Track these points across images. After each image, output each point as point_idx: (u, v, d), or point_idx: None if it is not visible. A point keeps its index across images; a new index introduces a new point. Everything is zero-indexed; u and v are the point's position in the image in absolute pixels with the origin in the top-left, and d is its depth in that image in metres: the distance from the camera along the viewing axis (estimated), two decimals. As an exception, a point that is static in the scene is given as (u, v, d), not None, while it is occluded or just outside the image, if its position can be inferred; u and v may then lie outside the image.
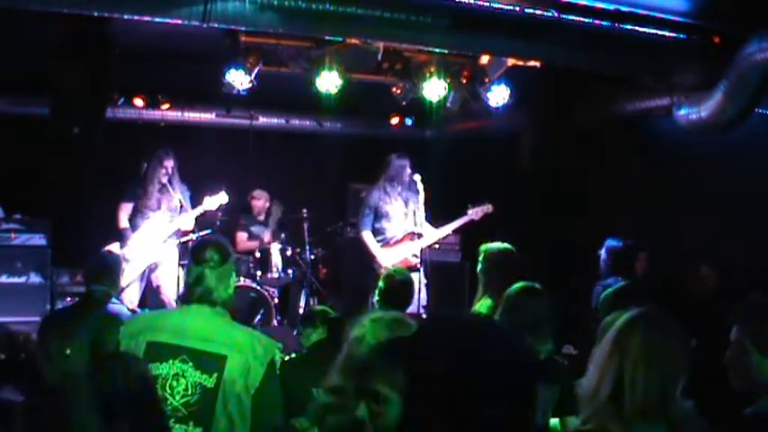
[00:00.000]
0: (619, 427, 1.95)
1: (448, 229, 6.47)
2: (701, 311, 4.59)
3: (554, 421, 3.19)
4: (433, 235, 6.38)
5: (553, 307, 3.37)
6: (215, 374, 2.54)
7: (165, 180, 6.49)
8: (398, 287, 4.23)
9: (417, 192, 6.31)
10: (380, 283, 4.26)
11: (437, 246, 6.62)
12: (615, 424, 1.95)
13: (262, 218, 7.82)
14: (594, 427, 1.99)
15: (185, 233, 6.53)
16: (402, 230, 6.40)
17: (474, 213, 6.30)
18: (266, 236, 7.55)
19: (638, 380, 1.96)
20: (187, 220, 6.54)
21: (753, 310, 2.33)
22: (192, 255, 2.76)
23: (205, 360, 2.56)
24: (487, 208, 6.28)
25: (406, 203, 6.38)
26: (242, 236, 7.72)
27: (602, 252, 5.11)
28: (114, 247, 5.82)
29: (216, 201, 6.67)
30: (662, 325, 2.07)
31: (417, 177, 6.29)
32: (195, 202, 6.70)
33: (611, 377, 1.99)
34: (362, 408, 1.76)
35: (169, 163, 6.47)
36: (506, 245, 4.59)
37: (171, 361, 2.55)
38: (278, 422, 2.65)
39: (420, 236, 6.22)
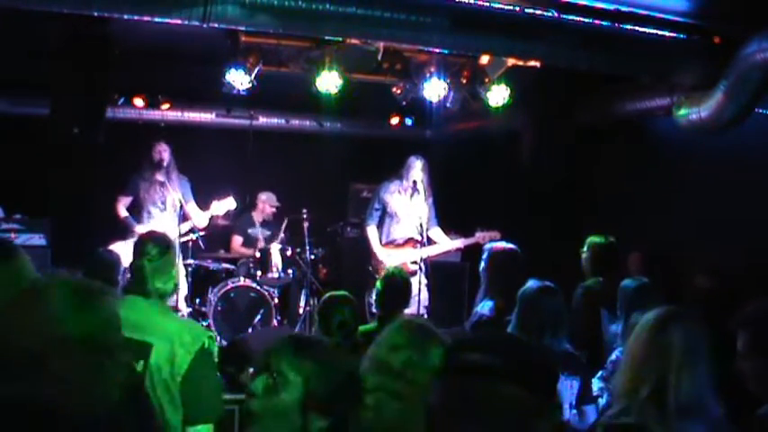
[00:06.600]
0: (659, 426, 1.97)
1: (452, 245, 6.47)
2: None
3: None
4: (435, 248, 6.39)
5: (567, 306, 3.39)
6: (141, 362, 2.61)
7: (163, 177, 6.49)
8: (396, 288, 4.22)
9: (428, 195, 6.31)
10: (378, 284, 4.25)
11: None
12: (655, 422, 1.97)
13: (261, 220, 7.79)
14: (632, 421, 2.01)
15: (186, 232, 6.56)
16: (407, 234, 6.38)
17: (481, 237, 6.26)
18: (261, 240, 7.53)
19: (684, 380, 1.99)
20: (200, 220, 6.61)
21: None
22: (133, 249, 2.89)
23: (132, 348, 2.61)
24: (495, 235, 6.20)
25: (417, 206, 6.36)
26: (237, 239, 7.70)
27: (585, 250, 4.82)
28: (118, 245, 5.81)
29: (224, 206, 6.67)
30: (695, 325, 2.10)
31: (424, 180, 6.30)
32: (196, 197, 6.72)
33: (654, 377, 2.02)
34: (260, 380, 1.83)
35: (165, 157, 6.47)
36: (512, 245, 4.56)
37: None
38: (214, 411, 2.69)
39: (423, 244, 6.20)
